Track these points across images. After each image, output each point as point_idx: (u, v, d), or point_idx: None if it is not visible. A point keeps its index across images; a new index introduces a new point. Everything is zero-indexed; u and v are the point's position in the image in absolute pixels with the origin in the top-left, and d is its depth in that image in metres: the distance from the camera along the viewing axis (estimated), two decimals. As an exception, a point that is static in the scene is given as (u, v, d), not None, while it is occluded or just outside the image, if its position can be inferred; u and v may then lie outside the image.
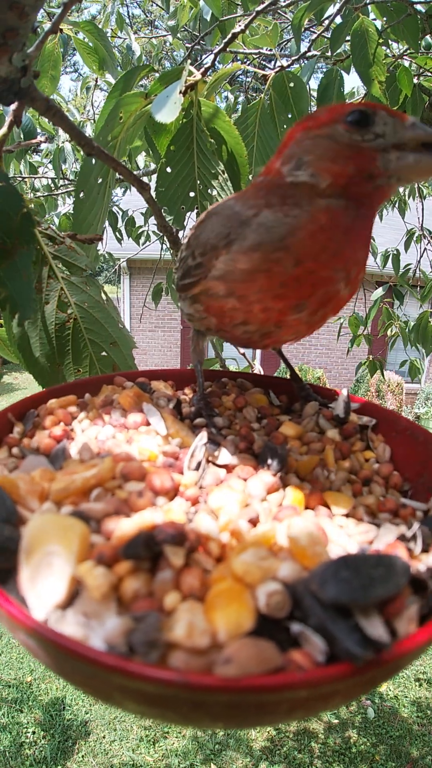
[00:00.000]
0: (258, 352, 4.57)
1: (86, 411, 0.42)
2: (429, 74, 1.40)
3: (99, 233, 0.79)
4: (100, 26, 2.21)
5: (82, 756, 2.23)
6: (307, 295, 0.40)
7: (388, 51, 1.37)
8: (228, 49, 1.04)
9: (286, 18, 2.09)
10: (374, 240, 2.79)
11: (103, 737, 2.33)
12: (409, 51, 1.30)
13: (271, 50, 1.31)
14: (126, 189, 2.71)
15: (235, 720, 0.25)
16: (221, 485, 0.35)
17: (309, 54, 1.24)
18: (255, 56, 1.63)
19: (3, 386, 7.61)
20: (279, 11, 2.00)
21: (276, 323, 0.43)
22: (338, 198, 0.39)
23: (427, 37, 1.51)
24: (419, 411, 6.66)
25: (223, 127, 0.85)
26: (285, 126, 1.07)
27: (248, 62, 1.68)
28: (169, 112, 0.67)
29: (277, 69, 1.03)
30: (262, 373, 0.82)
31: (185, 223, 0.85)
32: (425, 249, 2.41)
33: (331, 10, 1.23)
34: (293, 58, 1.12)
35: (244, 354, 1.15)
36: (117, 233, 2.60)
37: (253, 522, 0.31)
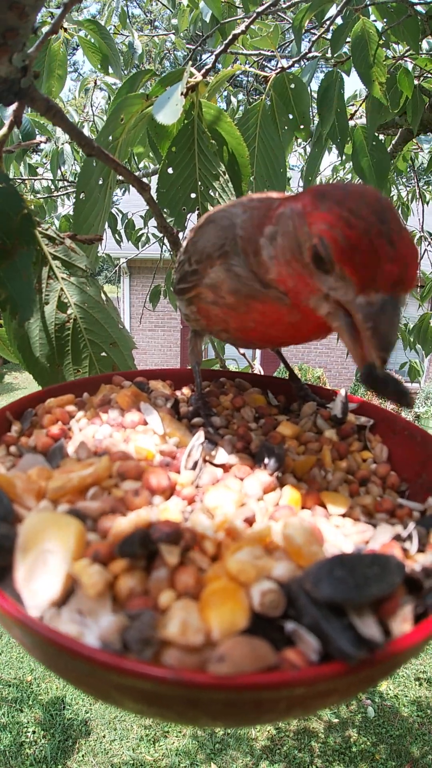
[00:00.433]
0: (258, 352, 4.57)
1: (84, 410, 0.42)
2: (429, 76, 1.41)
3: (99, 234, 0.79)
4: (102, 23, 2.22)
5: (83, 755, 2.23)
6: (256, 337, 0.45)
7: (388, 52, 1.37)
8: (229, 51, 1.04)
9: (286, 20, 2.10)
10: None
11: (104, 736, 2.34)
12: (409, 52, 1.30)
13: (271, 51, 1.31)
14: (125, 190, 2.72)
15: (233, 718, 0.25)
16: (218, 484, 0.35)
17: (310, 55, 1.24)
18: (256, 58, 1.63)
19: (3, 386, 7.62)
20: (279, 13, 2.00)
21: (246, 339, 0.46)
22: (282, 294, 0.39)
23: (428, 38, 1.51)
24: (419, 410, 6.65)
25: (224, 128, 0.85)
26: (286, 127, 1.07)
27: (249, 64, 1.68)
28: (170, 113, 0.67)
29: (278, 70, 1.03)
30: (262, 373, 0.82)
31: (186, 224, 0.85)
32: (425, 251, 2.42)
33: (332, 11, 1.24)
34: (294, 59, 1.12)
35: (244, 354, 1.15)
36: (116, 235, 2.61)
37: (249, 521, 0.31)
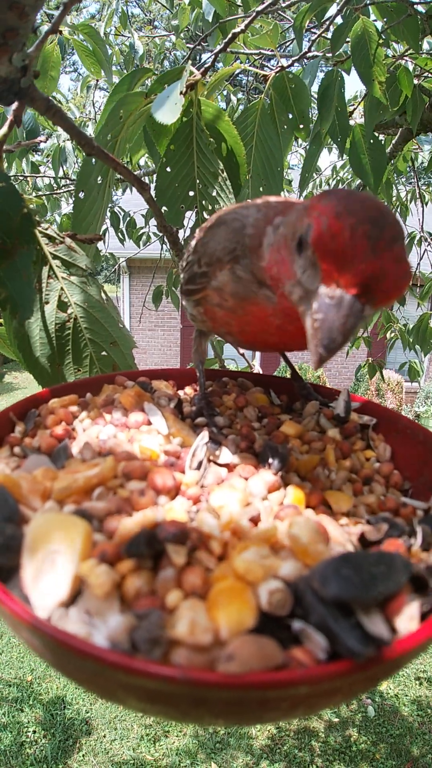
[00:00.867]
0: (258, 352, 4.57)
1: (87, 410, 0.42)
2: (430, 75, 1.41)
3: (98, 233, 0.79)
4: (102, 24, 2.22)
5: (83, 755, 2.24)
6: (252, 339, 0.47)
7: (388, 51, 1.37)
8: (229, 50, 1.04)
9: (286, 19, 2.09)
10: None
11: (104, 736, 2.34)
12: (409, 52, 1.30)
13: (271, 50, 1.31)
14: (126, 189, 2.72)
15: (237, 717, 0.25)
16: (222, 484, 0.35)
17: (310, 54, 1.24)
18: (256, 56, 1.63)
19: (3, 386, 7.61)
20: (279, 12, 2.00)
21: (248, 342, 0.47)
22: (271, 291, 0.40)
23: (428, 37, 1.51)
24: (419, 410, 6.66)
25: (222, 126, 0.85)
26: (285, 126, 1.07)
27: (249, 62, 1.68)
28: (169, 112, 0.67)
29: (278, 69, 1.03)
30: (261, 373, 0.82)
31: (185, 222, 0.85)
32: (425, 251, 2.42)
33: (332, 10, 1.24)
34: (294, 58, 1.12)
35: (243, 354, 1.15)
36: (119, 234, 2.60)
37: (255, 521, 0.31)
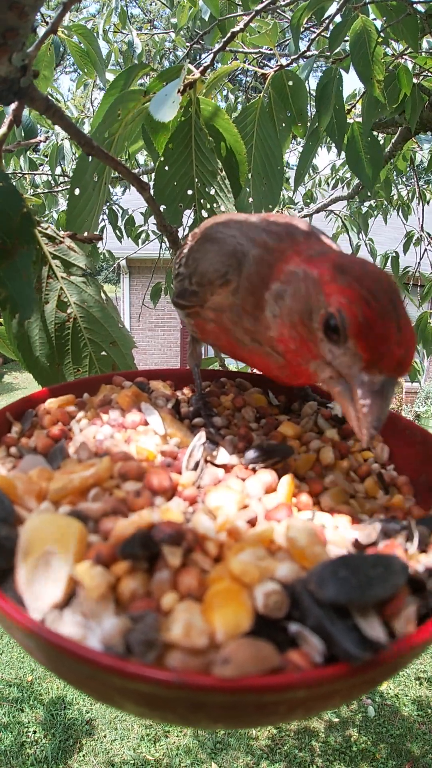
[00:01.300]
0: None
1: (84, 410, 0.42)
2: (429, 74, 1.40)
3: (93, 231, 0.79)
4: (102, 23, 2.22)
5: (84, 755, 2.23)
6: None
7: (387, 50, 1.37)
8: (227, 48, 1.03)
9: (286, 18, 2.09)
10: (373, 242, 2.80)
11: (105, 736, 2.34)
12: (408, 51, 1.30)
13: (270, 49, 1.31)
14: (126, 188, 2.71)
15: (235, 720, 0.25)
16: (219, 485, 0.35)
17: (308, 53, 1.24)
18: (254, 55, 1.63)
19: (3, 386, 7.61)
20: (279, 11, 2.00)
21: (237, 359, 0.48)
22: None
23: (428, 37, 1.51)
24: (419, 410, 6.66)
25: (221, 124, 0.85)
26: (284, 124, 1.07)
27: (248, 61, 1.68)
28: (167, 110, 0.67)
29: (276, 68, 1.02)
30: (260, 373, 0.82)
31: (183, 221, 0.85)
32: (425, 250, 2.41)
33: (331, 9, 1.23)
34: (292, 57, 1.11)
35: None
36: (117, 231, 2.60)
37: (252, 522, 0.31)
